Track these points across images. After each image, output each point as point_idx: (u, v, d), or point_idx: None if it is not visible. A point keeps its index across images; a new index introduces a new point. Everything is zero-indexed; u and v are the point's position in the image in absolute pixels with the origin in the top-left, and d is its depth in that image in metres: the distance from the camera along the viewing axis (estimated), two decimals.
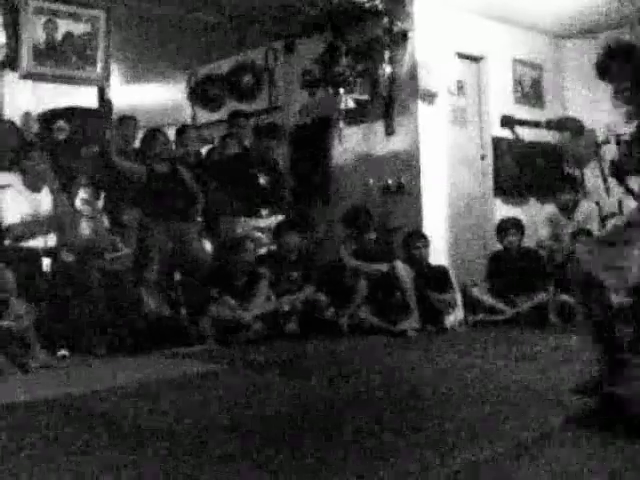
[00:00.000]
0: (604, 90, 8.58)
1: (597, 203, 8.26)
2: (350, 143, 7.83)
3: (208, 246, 7.20)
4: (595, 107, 8.61)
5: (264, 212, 7.02)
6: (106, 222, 6.38)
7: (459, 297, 7.06)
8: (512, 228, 7.17)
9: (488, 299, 7.00)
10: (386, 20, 7.47)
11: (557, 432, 3.09)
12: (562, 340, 5.78)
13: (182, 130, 7.52)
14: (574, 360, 4.72)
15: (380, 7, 7.36)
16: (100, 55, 6.91)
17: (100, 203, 6.36)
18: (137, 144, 7.16)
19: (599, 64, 3.86)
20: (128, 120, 7.05)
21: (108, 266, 5.99)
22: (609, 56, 3.78)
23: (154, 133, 6.86)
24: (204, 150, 7.82)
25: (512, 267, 7.07)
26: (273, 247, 6.87)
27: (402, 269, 6.67)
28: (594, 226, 7.68)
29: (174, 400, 4.05)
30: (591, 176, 8.65)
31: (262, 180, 7.06)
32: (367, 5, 7.34)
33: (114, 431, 3.33)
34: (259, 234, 6.89)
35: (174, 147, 7.15)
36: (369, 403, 3.82)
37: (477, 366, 4.82)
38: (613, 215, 8.33)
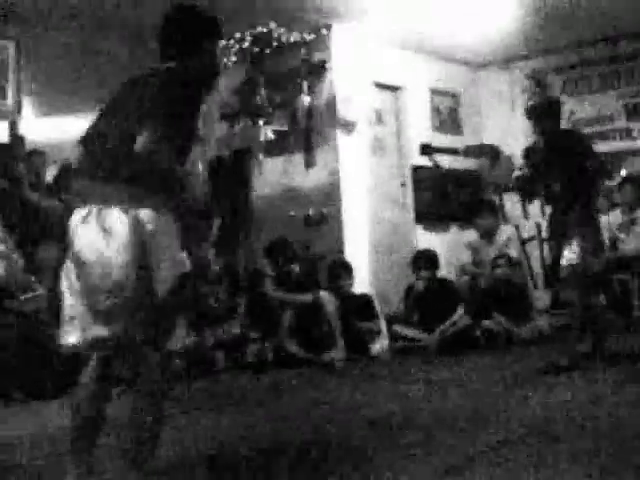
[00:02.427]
0: (519, 117, 8.88)
1: (516, 227, 8.40)
2: (270, 174, 7.79)
3: None
4: (511, 133, 8.80)
5: None
6: (20, 261, 6.16)
7: (384, 325, 7.06)
8: (425, 265, 7.21)
9: (407, 331, 7.03)
10: (304, 51, 7.49)
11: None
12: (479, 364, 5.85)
13: None
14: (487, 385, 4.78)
15: (298, 38, 7.38)
16: (10, 87, 6.71)
17: (13, 241, 6.13)
18: (48, 179, 6.98)
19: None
20: (37, 155, 6.85)
21: (22, 307, 5.78)
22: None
23: (68, 168, 6.69)
24: None
25: (426, 298, 7.12)
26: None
27: (327, 299, 6.63)
28: (514, 250, 7.80)
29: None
30: (509, 201, 8.80)
31: None
32: (285, 37, 7.35)
33: None
34: None
35: None
36: (290, 438, 3.76)
37: (401, 393, 4.83)
38: (532, 238, 8.49)
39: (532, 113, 5.56)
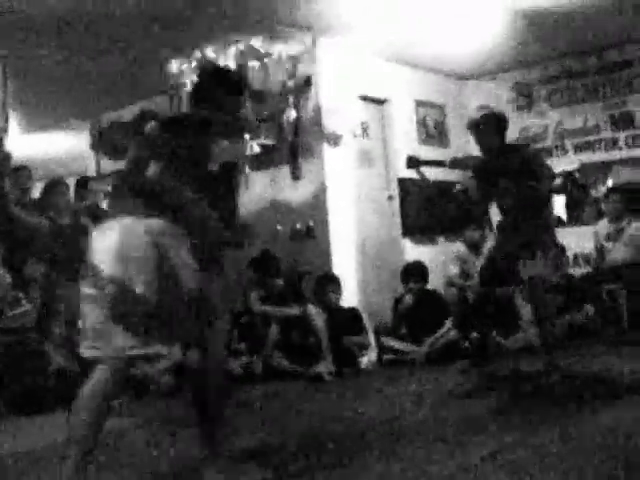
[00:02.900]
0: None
1: None
2: (257, 188, 7.78)
3: None
4: None
5: None
6: (7, 277, 6.14)
7: (372, 338, 7.06)
8: (414, 276, 7.26)
9: (395, 343, 7.03)
10: (290, 64, 7.50)
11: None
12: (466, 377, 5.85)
13: (83, 182, 7.34)
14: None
15: (284, 52, 7.40)
16: None
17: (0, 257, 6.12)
18: (32, 195, 6.96)
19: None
20: (21, 170, 6.84)
21: (10, 323, 5.76)
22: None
23: (55, 184, 6.68)
24: None
25: (415, 310, 7.15)
26: None
27: (314, 313, 6.64)
28: None
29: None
30: (496, 212, 8.82)
31: None
32: (271, 50, 7.37)
33: None
34: None
35: (74, 199, 6.97)
36: (280, 447, 3.78)
37: (390, 405, 4.84)
38: None
39: (471, 127, 5.56)
